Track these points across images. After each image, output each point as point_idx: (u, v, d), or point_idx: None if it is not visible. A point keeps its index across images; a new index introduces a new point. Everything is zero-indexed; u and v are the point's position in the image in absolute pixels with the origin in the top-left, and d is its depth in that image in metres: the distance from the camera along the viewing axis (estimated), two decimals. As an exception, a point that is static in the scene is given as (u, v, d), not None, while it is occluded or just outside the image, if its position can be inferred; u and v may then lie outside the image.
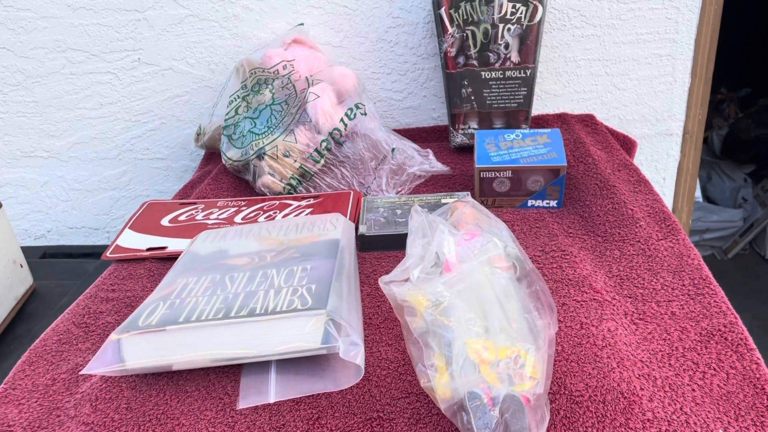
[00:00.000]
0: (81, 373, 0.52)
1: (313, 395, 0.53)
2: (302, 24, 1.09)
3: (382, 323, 0.62)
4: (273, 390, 0.53)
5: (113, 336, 0.53)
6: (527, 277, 0.57)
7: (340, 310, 0.54)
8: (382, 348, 0.58)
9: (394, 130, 1.05)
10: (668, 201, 1.25)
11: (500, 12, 0.95)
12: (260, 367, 0.55)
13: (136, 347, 0.52)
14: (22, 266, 0.96)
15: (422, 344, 0.50)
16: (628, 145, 1.10)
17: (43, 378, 0.59)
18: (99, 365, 0.52)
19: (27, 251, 1.00)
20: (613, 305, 0.62)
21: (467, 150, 1.07)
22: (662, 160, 1.20)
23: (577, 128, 1.07)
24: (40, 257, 1.18)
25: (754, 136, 2.58)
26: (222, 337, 0.53)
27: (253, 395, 0.53)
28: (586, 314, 0.60)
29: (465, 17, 0.96)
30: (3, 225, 0.91)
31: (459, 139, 1.06)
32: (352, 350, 0.50)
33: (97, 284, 0.75)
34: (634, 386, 0.51)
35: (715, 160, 2.70)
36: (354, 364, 0.50)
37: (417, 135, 1.16)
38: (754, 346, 0.55)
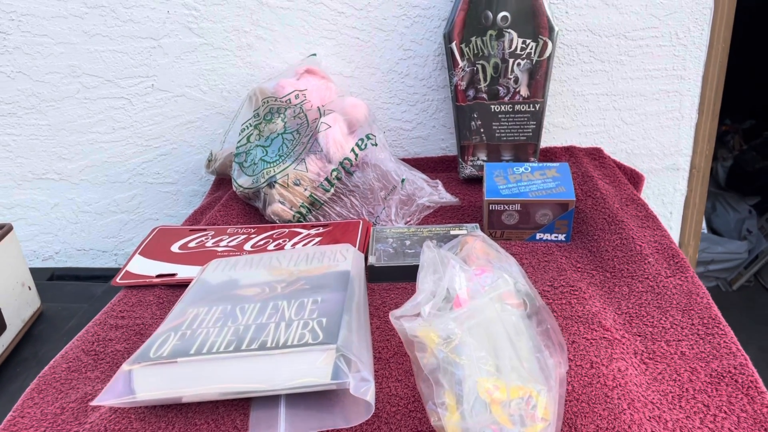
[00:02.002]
0: (91, 404, 0.52)
1: (322, 431, 0.53)
2: (315, 54, 1.11)
3: (392, 358, 0.62)
4: (282, 425, 0.53)
5: (125, 367, 0.53)
6: (537, 314, 0.57)
7: (350, 345, 0.54)
8: (392, 383, 0.58)
9: (403, 159, 1.06)
10: (675, 235, 1.25)
11: (510, 47, 0.97)
12: (270, 401, 0.55)
13: (147, 379, 0.53)
14: (30, 288, 0.97)
15: (433, 382, 0.50)
16: (635, 179, 1.10)
17: (52, 406, 0.59)
18: (110, 396, 0.52)
19: (35, 273, 1.01)
20: (623, 344, 0.62)
21: (476, 181, 1.08)
22: (669, 194, 1.21)
23: (585, 161, 1.08)
24: (47, 279, 1.18)
25: (759, 169, 2.59)
26: (232, 370, 0.53)
27: (263, 429, 0.53)
28: (596, 353, 0.60)
29: (475, 52, 0.98)
30: (14, 248, 0.92)
31: (468, 170, 1.07)
32: (363, 386, 0.50)
33: (107, 311, 0.75)
34: (645, 429, 0.50)
35: (719, 191, 2.70)
36: (364, 400, 0.50)
37: (426, 164, 1.16)
38: (764, 388, 0.55)
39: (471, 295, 0.58)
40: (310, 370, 0.52)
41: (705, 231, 2.59)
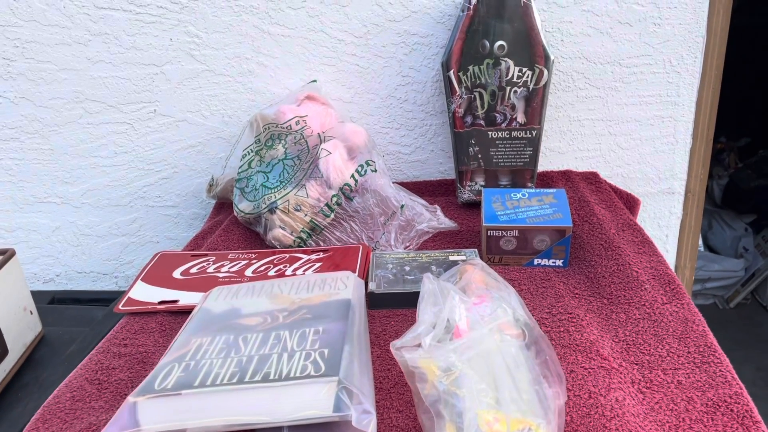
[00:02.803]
0: (97, 436, 0.52)
1: (324, 462, 0.53)
2: (315, 81, 1.13)
3: (393, 388, 0.63)
4: (285, 456, 0.53)
5: (130, 399, 0.54)
6: (536, 344, 0.58)
7: (352, 377, 0.55)
8: (392, 414, 0.59)
9: (402, 183, 1.08)
10: (671, 258, 1.26)
11: (507, 75, 0.98)
12: (273, 432, 0.56)
13: (152, 411, 0.53)
14: (32, 313, 0.97)
15: (434, 413, 0.51)
16: (631, 203, 1.12)
17: (57, 437, 0.59)
18: (115, 429, 0.52)
19: (36, 296, 1.01)
20: (621, 373, 0.63)
21: (474, 206, 1.09)
22: (665, 217, 1.22)
23: (582, 186, 1.10)
24: (48, 302, 1.19)
25: (754, 187, 2.61)
26: (236, 402, 0.54)
27: (266, 461, 0.53)
28: (594, 382, 0.61)
29: (473, 80, 0.99)
30: (17, 273, 0.93)
31: (466, 195, 1.08)
32: (365, 419, 0.51)
33: (109, 338, 0.76)
34: (643, 460, 0.51)
35: (715, 209, 2.72)
36: (366, 432, 0.51)
37: (424, 188, 1.18)
38: (759, 418, 0.56)
39: (470, 325, 0.59)
40: (313, 402, 0.53)
41: (702, 249, 2.60)
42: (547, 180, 1.15)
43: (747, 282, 2.51)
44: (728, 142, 2.82)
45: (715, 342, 0.67)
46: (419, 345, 0.56)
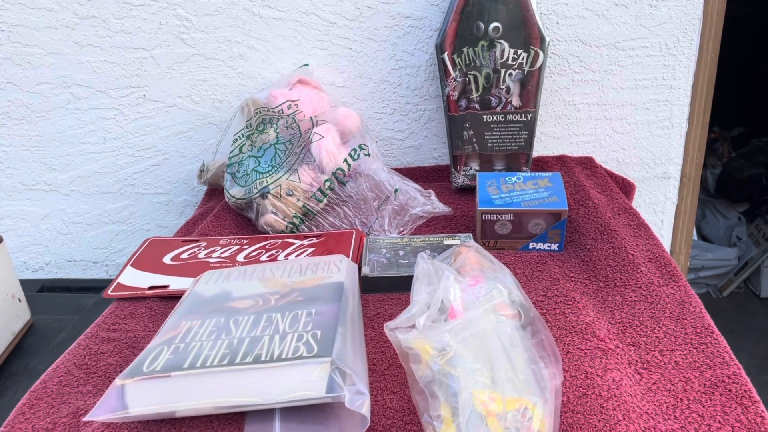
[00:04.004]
0: (84, 419, 0.51)
1: (317, 444, 0.52)
2: (307, 65, 1.11)
3: (387, 370, 0.62)
4: (277, 439, 0.52)
5: (117, 381, 0.52)
6: (532, 324, 0.57)
7: (345, 358, 0.54)
8: (386, 396, 0.58)
9: (396, 169, 1.06)
10: (666, 243, 1.26)
11: (502, 58, 0.97)
12: (264, 414, 0.55)
13: (140, 393, 0.52)
14: (20, 301, 0.96)
15: (428, 394, 0.50)
16: (626, 188, 1.11)
17: (44, 422, 0.58)
18: (102, 412, 0.51)
19: (25, 284, 1.00)
20: (617, 354, 0.62)
21: (468, 191, 1.08)
22: (660, 202, 1.22)
23: (577, 171, 1.09)
24: (38, 291, 1.17)
25: (747, 176, 2.61)
26: (227, 384, 0.52)
27: (257, 443, 0.52)
28: (590, 363, 0.60)
29: (467, 62, 0.98)
30: (4, 260, 0.91)
31: (460, 180, 1.07)
32: (358, 399, 0.50)
33: (98, 323, 0.74)
34: (641, 439, 0.50)
35: (709, 198, 2.72)
36: (359, 413, 0.50)
37: (418, 174, 1.17)
38: (758, 398, 0.55)
39: (465, 306, 0.58)
40: (305, 383, 0.52)
41: (695, 238, 2.60)
42: (543, 165, 1.14)
43: (740, 271, 2.51)
44: (721, 132, 2.82)
45: (712, 323, 0.66)
46: (413, 326, 0.55)
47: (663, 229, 1.24)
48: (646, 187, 1.20)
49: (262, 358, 0.53)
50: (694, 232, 2.57)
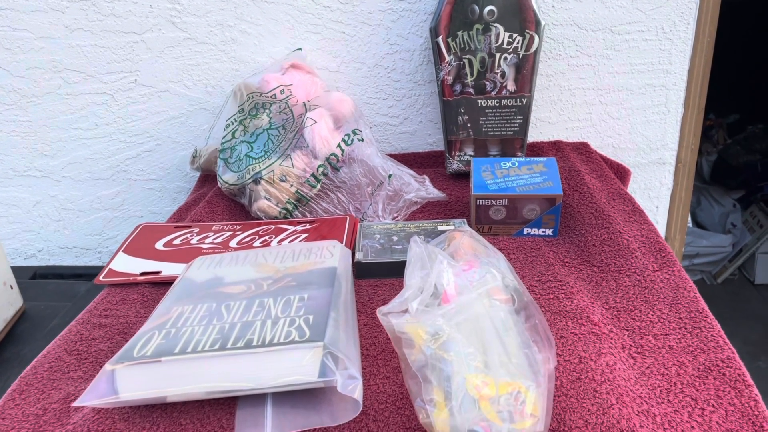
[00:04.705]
0: (74, 404, 0.51)
1: (309, 429, 0.52)
2: (300, 49, 1.10)
3: (380, 355, 0.62)
4: (269, 424, 0.52)
5: (107, 366, 0.52)
6: (525, 309, 0.57)
7: (337, 343, 0.53)
8: (379, 381, 0.58)
9: (390, 155, 1.06)
10: (661, 229, 1.26)
11: (497, 41, 0.96)
12: (256, 399, 0.54)
13: (131, 379, 0.52)
14: (12, 287, 0.95)
15: (421, 378, 0.50)
16: (621, 173, 1.10)
17: (34, 407, 0.58)
18: (92, 397, 0.51)
19: (17, 271, 0.99)
20: (611, 338, 0.62)
21: (463, 176, 1.07)
22: (655, 188, 1.21)
23: (572, 156, 1.08)
24: (30, 278, 1.17)
25: (743, 163, 2.62)
26: (218, 369, 0.52)
27: (249, 428, 0.52)
28: (584, 348, 0.60)
29: (462, 46, 0.97)
30: (-6, 246, 0.91)
31: (455, 165, 1.06)
32: (350, 384, 0.50)
33: (90, 309, 0.74)
34: (634, 423, 0.50)
35: (704, 185, 2.72)
36: (352, 398, 0.50)
37: (413, 160, 1.16)
38: (751, 381, 0.55)
39: (459, 290, 0.57)
40: (297, 368, 0.51)
41: (690, 225, 2.61)
42: (537, 151, 1.13)
43: (734, 258, 2.52)
44: (717, 119, 2.82)
45: (706, 308, 0.66)
46: (406, 310, 0.54)
47: (658, 215, 1.24)
48: (642, 172, 1.20)
49: (254, 343, 0.53)
50: (689, 218, 2.57)
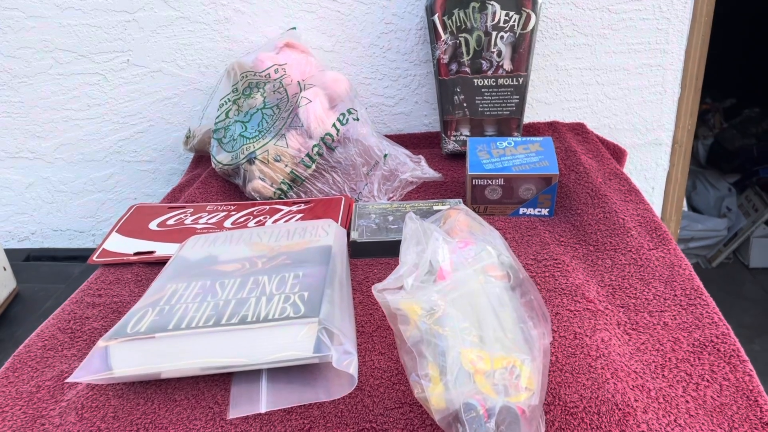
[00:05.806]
0: (67, 380, 0.50)
1: (305, 405, 0.52)
2: (294, 28, 1.09)
3: (375, 331, 0.61)
4: (264, 399, 0.52)
5: (101, 343, 0.52)
6: (521, 285, 0.57)
7: (332, 318, 0.53)
8: (374, 357, 0.58)
9: (386, 136, 1.05)
10: (657, 210, 1.26)
11: (493, 20, 0.95)
12: (251, 375, 0.54)
13: (125, 355, 0.51)
14: (5, 269, 0.95)
15: (416, 353, 0.50)
16: (618, 154, 1.10)
17: (28, 385, 0.57)
18: (86, 373, 0.50)
19: (10, 254, 0.99)
20: (606, 315, 0.62)
21: (459, 157, 1.07)
22: (651, 169, 1.21)
23: (568, 137, 1.08)
24: (23, 260, 1.16)
25: (739, 147, 2.62)
26: (212, 345, 0.52)
27: (244, 404, 0.52)
28: (579, 324, 0.60)
29: (458, 24, 0.96)
30: (-14, 227, 0.90)
31: (451, 145, 1.06)
32: (345, 359, 0.50)
33: (83, 289, 0.73)
34: (629, 397, 0.50)
35: (700, 169, 2.73)
36: (347, 373, 0.50)
37: (408, 141, 1.15)
38: (746, 357, 0.55)
39: (454, 267, 0.57)
40: (292, 343, 0.51)
41: (685, 209, 2.61)
42: (534, 131, 1.13)
43: (729, 242, 2.52)
44: (713, 103, 2.81)
45: (701, 285, 0.66)
46: (401, 287, 0.54)
47: (654, 196, 1.24)
48: (638, 153, 1.20)
49: (249, 319, 0.53)
50: (685, 203, 2.57)
